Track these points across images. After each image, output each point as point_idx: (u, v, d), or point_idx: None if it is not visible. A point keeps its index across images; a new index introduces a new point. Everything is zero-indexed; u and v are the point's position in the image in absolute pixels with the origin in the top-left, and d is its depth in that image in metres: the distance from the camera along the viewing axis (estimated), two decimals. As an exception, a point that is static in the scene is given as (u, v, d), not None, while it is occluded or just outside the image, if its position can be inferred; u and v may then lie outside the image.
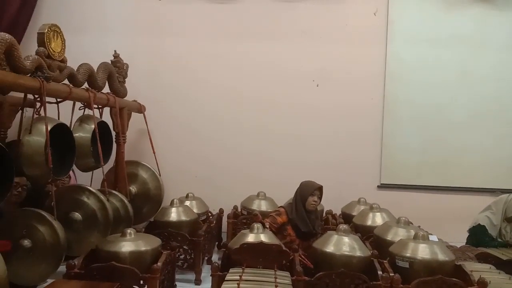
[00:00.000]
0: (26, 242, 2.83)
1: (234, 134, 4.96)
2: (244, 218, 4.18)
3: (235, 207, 4.49)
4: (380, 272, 2.73)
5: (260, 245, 2.78)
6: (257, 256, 2.77)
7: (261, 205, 4.31)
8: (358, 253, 2.86)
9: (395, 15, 4.86)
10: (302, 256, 2.99)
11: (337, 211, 4.37)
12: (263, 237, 2.98)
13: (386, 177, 4.88)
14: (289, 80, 4.90)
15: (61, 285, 2.48)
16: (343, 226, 3.06)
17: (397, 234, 3.24)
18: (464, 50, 4.81)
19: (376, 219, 3.77)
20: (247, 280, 2.51)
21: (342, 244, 2.89)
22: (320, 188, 3.53)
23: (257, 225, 3.11)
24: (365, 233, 3.60)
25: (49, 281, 2.78)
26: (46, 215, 2.87)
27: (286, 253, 2.81)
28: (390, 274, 2.67)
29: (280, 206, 3.65)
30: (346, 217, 4.16)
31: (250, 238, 2.98)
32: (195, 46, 4.96)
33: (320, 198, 3.55)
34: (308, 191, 3.49)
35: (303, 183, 3.62)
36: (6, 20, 4.47)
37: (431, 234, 3.18)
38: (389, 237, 3.24)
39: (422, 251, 2.79)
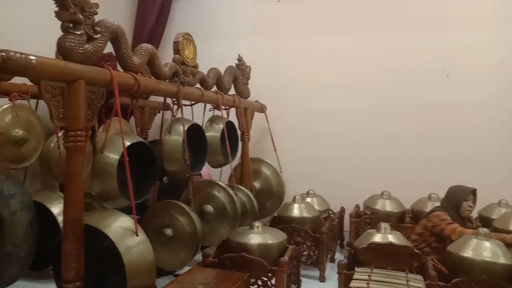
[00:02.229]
0: (169, 231, 3.13)
1: (354, 130, 4.83)
2: (367, 218, 4.06)
3: (357, 206, 4.39)
4: (530, 283, 2.43)
5: (389, 245, 2.67)
6: (386, 257, 2.66)
7: (386, 205, 4.14)
8: (502, 260, 2.58)
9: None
10: (435, 260, 2.80)
11: (473, 214, 3.98)
12: (391, 238, 2.86)
13: (532, 177, 4.29)
14: (416, 72, 4.60)
15: (198, 272, 2.66)
16: (484, 230, 2.77)
17: (549, 242, 2.85)
18: None
19: (522, 224, 3.36)
20: (377, 280, 2.43)
21: (482, 249, 2.63)
22: (474, 192, 3.26)
23: (384, 225, 2.99)
24: (508, 239, 3.21)
25: (187, 268, 3.05)
26: (185, 207, 3.14)
27: (417, 255, 2.65)
28: (544, 287, 2.36)
29: (436, 210, 3.33)
30: (484, 221, 3.76)
31: (377, 238, 2.89)
32: (313, 43, 4.95)
33: (474, 202, 3.28)
34: (462, 196, 3.25)
35: (453, 188, 3.39)
36: (146, 31, 5.01)
37: None
38: (539, 245, 2.86)
39: None
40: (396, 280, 2.46)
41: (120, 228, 2.31)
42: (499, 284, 2.46)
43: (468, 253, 2.65)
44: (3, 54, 1.81)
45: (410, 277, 2.51)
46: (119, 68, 2.67)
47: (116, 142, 2.68)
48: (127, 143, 2.60)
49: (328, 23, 4.90)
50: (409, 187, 4.38)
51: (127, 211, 2.53)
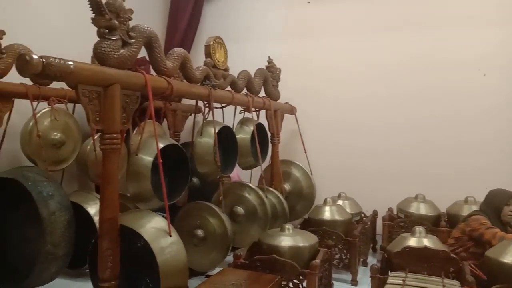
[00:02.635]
0: (200, 232, 3.17)
1: (385, 132, 4.73)
2: (401, 221, 3.97)
3: (390, 209, 4.30)
4: None
5: (424, 250, 2.61)
6: (421, 261, 2.60)
7: (420, 208, 4.04)
8: (545, 267, 2.46)
9: None
10: (473, 266, 2.70)
11: None
12: (427, 242, 2.79)
13: None
14: (449, 71, 4.47)
15: (229, 273, 2.67)
16: (525, 235, 2.67)
17: None
18: None
19: None
20: (411, 285, 2.37)
21: (523, 255, 2.52)
22: None
23: (419, 229, 2.92)
24: (552, 245, 3.07)
25: (218, 269, 3.07)
26: (216, 208, 3.17)
27: (454, 260, 2.58)
28: None
29: (475, 214, 3.24)
30: (525, 225, 3.61)
31: (412, 242, 2.83)
32: (344, 44, 4.90)
33: None
34: (503, 201, 3.15)
35: (493, 191, 3.28)
36: (178, 35, 5.09)
37: None
38: None
39: None
40: (431, 285, 2.39)
41: (154, 228, 2.34)
42: (543, 292, 2.36)
43: (508, 258, 2.54)
44: (43, 60, 1.88)
45: (446, 282, 2.44)
46: (152, 72, 2.72)
47: (150, 144, 2.74)
48: (161, 146, 2.64)
49: (359, 23, 4.84)
50: (444, 190, 4.27)
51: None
